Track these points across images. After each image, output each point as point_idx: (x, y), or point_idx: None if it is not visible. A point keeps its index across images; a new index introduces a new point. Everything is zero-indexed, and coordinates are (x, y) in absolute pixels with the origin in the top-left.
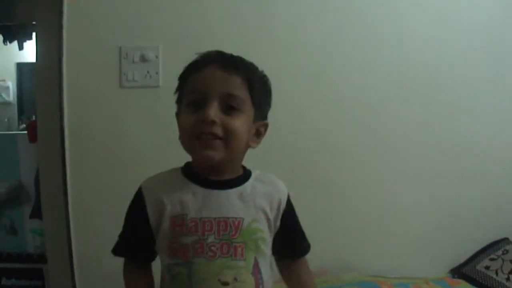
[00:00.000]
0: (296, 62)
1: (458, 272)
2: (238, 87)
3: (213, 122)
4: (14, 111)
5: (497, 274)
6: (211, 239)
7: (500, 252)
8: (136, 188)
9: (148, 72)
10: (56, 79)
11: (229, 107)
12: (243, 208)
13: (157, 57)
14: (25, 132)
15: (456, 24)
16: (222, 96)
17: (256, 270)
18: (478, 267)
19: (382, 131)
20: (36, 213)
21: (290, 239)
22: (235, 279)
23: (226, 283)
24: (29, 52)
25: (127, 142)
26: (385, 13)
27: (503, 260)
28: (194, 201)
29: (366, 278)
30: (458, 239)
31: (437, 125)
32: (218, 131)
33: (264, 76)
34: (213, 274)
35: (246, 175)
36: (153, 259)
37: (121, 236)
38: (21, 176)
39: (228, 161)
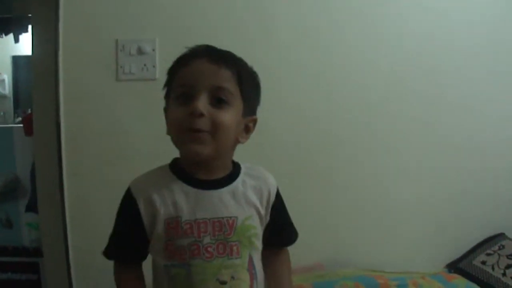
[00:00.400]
0: (296, 61)
1: (454, 267)
2: (227, 80)
3: (201, 115)
4: (10, 104)
5: (493, 269)
6: (206, 240)
7: (496, 247)
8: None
9: (145, 65)
10: (52, 72)
11: (218, 101)
12: (236, 207)
13: (154, 50)
14: (21, 125)
15: (456, 23)
16: (211, 89)
17: (251, 266)
18: (474, 262)
19: (381, 129)
20: (32, 207)
21: (278, 231)
22: (232, 277)
23: (224, 282)
24: (25, 45)
25: (124, 135)
26: (385, 13)
27: (499, 255)
28: (187, 202)
29: (363, 272)
30: (454, 235)
31: (434, 123)
32: (206, 125)
33: (254, 71)
34: (211, 274)
35: (236, 171)
36: (145, 258)
37: (112, 238)
38: (17, 169)
39: (216, 156)
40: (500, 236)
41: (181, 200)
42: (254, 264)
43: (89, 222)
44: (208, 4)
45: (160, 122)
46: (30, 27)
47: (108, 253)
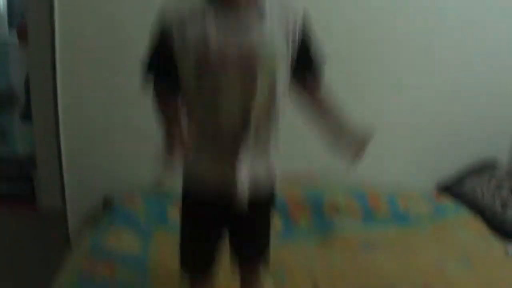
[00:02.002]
0: None
1: (445, 190)
2: None
3: None
4: (4, 21)
5: (483, 194)
6: (233, 57)
7: (487, 174)
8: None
9: None
10: None
11: None
12: (263, 31)
13: None
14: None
15: None
16: None
17: (272, 86)
18: (465, 187)
19: (385, 52)
20: (26, 114)
21: (305, 53)
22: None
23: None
24: None
25: (119, 32)
26: None
27: (489, 181)
28: (217, 27)
29: (354, 186)
30: (448, 158)
31: (434, 44)
32: None
33: None
34: (234, 87)
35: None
36: (178, 87)
37: (149, 53)
38: (12, 80)
39: None
40: (491, 163)
41: (212, 25)
42: (276, 84)
43: (83, 126)
44: None
45: (153, 11)
46: None
47: (147, 67)
